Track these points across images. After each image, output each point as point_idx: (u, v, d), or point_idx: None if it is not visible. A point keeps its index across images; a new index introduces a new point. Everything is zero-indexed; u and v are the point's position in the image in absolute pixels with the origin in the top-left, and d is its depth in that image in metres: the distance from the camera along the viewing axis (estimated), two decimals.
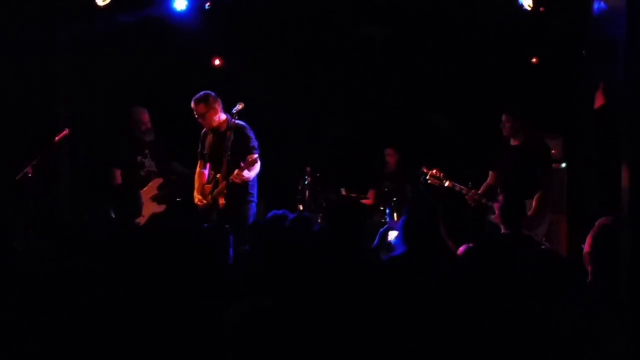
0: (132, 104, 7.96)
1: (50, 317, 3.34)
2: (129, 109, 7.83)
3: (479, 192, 6.90)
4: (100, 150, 8.43)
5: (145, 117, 7.77)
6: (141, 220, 7.34)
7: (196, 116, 7.02)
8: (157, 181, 7.63)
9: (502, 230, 5.68)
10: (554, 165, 7.72)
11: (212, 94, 7.02)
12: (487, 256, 3.83)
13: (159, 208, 7.49)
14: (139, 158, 7.68)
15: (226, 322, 2.88)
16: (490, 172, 7.08)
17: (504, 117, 6.92)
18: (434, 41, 9.09)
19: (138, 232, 4.67)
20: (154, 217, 7.17)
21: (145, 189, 7.52)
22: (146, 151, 7.70)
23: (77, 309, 3.35)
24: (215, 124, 6.99)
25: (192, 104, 6.99)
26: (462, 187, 6.97)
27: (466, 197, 6.88)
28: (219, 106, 6.99)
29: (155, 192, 7.57)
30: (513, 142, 6.96)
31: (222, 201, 6.84)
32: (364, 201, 9.07)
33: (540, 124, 7.55)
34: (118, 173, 7.63)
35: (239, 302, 3.08)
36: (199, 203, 7.06)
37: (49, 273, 3.67)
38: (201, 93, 7.02)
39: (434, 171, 7.11)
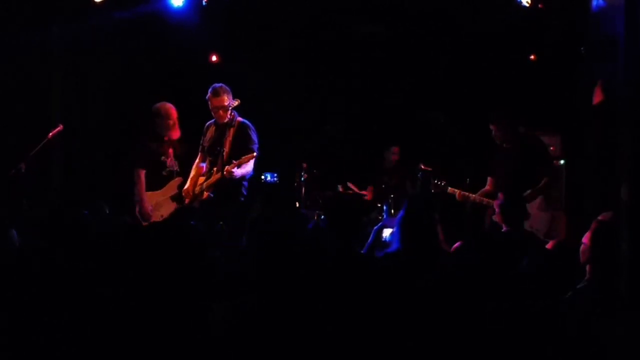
0: (158, 101, 7.76)
1: (46, 316, 3.31)
2: (157, 105, 7.55)
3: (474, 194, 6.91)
4: (108, 149, 8.36)
5: (175, 112, 7.57)
6: (159, 219, 7.31)
7: (216, 108, 6.88)
8: (178, 180, 7.47)
9: (504, 229, 5.66)
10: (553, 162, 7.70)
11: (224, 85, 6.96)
12: (485, 255, 3.80)
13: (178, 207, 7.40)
14: (162, 158, 7.53)
15: (216, 319, 2.87)
16: (489, 179, 7.05)
17: (491, 127, 6.88)
18: (433, 39, 9.07)
19: (131, 229, 4.65)
20: (176, 212, 7.13)
21: (164, 188, 7.43)
22: (170, 150, 7.53)
23: (72, 307, 3.32)
24: (226, 118, 6.92)
25: (213, 96, 6.86)
26: (454, 190, 6.95)
27: (456, 196, 6.88)
28: (231, 100, 6.92)
29: (175, 191, 7.43)
30: (507, 145, 6.93)
31: (206, 194, 6.82)
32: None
33: (538, 121, 7.54)
34: (142, 174, 7.47)
35: (230, 299, 3.06)
36: (184, 191, 7.04)
37: (44, 271, 3.64)
38: (220, 85, 6.88)
39: (437, 181, 7.08)
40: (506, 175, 6.84)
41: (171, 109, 7.48)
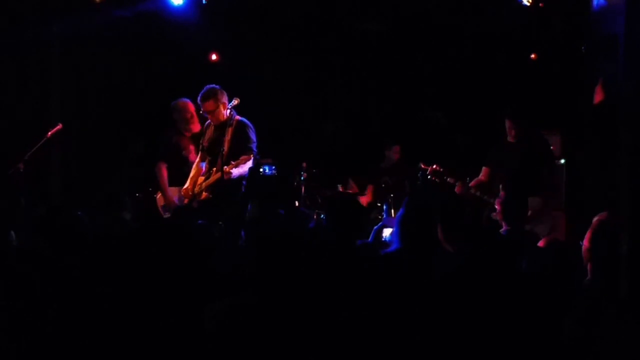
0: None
1: (44, 315, 3.31)
2: (174, 102, 7.54)
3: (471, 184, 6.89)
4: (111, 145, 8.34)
5: (192, 107, 7.54)
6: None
7: (204, 113, 6.91)
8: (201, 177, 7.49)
9: (504, 227, 5.65)
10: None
11: (218, 87, 6.89)
12: (486, 254, 3.79)
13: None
14: (183, 153, 7.55)
15: (214, 318, 2.86)
16: (484, 168, 7.03)
17: (508, 124, 6.87)
18: (434, 38, 9.07)
19: (128, 229, 4.66)
20: (175, 212, 7.13)
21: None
22: (191, 146, 7.54)
23: (69, 305, 3.32)
24: (222, 118, 6.90)
25: (200, 101, 6.85)
26: (455, 180, 6.93)
27: (455, 188, 6.85)
28: (226, 100, 6.89)
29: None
30: (514, 140, 6.92)
31: (204, 194, 6.82)
32: (361, 197, 9.03)
33: (539, 120, 7.53)
34: (164, 167, 7.49)
35: (228, 298, 3.05)
36: (184, 191, 7.05)
37: (43, 270, 3.64)
38: (207, 88, 6.86)
39: (435, 166, 7.06)
40: (510, 171, 6.83)
41: (187, 103, 7.49)
